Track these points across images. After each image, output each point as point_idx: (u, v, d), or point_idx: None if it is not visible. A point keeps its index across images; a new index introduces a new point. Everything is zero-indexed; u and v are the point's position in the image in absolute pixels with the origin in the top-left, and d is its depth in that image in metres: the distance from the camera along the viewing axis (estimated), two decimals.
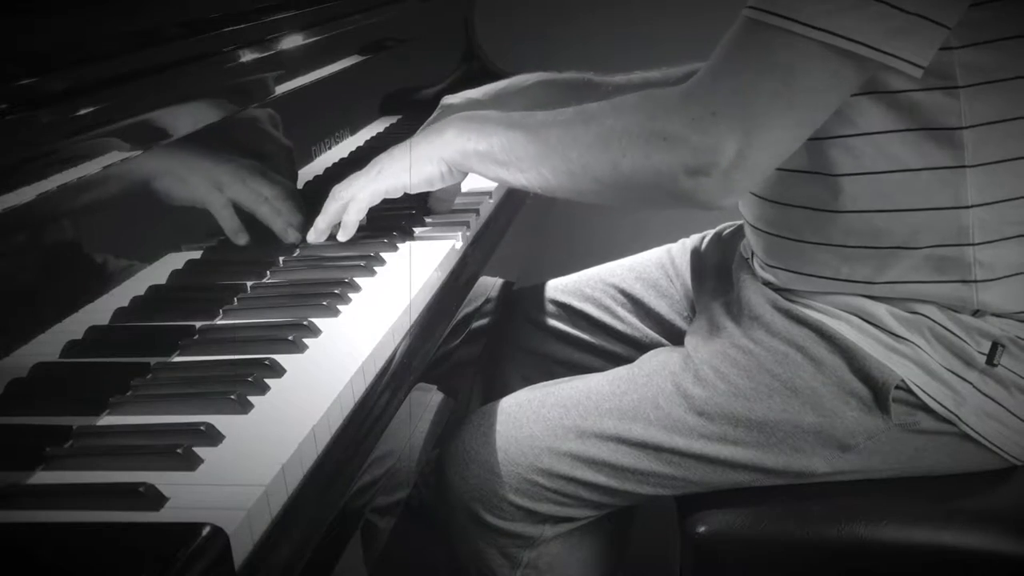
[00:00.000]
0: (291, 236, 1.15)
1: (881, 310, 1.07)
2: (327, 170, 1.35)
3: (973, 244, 1.03)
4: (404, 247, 1.14)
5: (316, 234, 1.14)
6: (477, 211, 1.25)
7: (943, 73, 0.96)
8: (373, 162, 1.16)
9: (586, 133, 1.01)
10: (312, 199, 1.29)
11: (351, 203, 1.13)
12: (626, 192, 1.03)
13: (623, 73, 1.40)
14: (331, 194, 1.15)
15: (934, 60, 0.92)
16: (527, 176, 1.07)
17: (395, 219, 1.20)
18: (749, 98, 0.92)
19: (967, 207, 1.02)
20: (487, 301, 1.46)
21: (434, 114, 1.33)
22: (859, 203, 1.04)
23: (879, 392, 1.05)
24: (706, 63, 0.97)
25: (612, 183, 1.01)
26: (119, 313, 0.96)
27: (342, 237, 1.13)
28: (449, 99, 1.34)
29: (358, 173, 1.16)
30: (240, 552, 0.65)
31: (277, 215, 1.14)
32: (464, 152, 1.10)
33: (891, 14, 0.88)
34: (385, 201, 1.20)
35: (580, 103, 1.34)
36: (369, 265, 1.08)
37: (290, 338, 0.90)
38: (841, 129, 1.01)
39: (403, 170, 1.13)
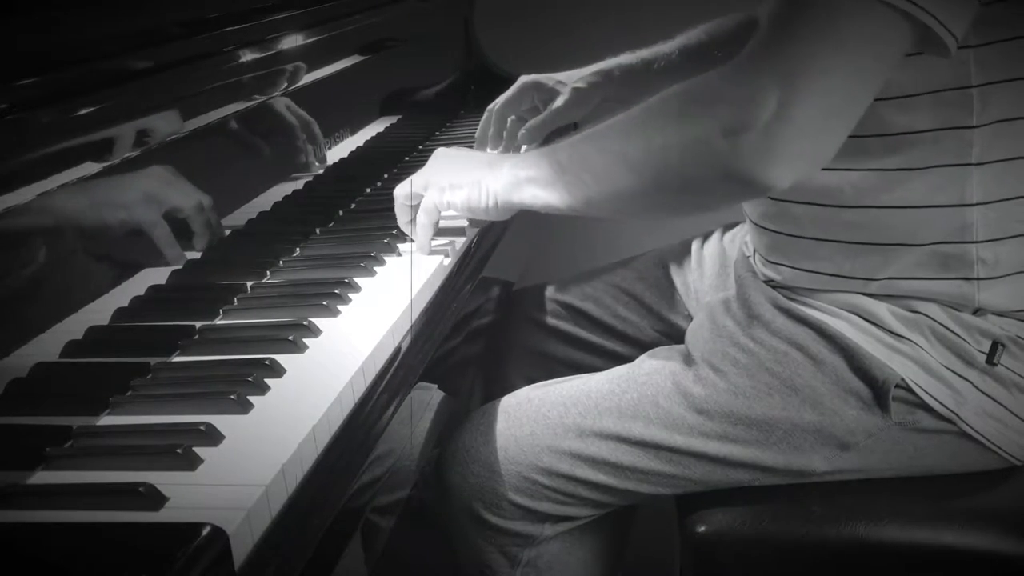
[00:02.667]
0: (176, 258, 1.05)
1: (882, 309, 1.07)
2: (327, 170, 1.35)
3: (976, 241, 1.03)
4: (404, 247, 1.14)
5: (425, 250, 1.13)
6: None
7: (957, 73, 0.96)
8: (444, 164, 1.15)
9: (625, 121, 0.98)
10: (312, 199, 1.29)
11: (420, 223, 1.13)
12: (664, 180, 0.93)
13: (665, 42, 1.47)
14: (396, 197, 1.15)
15: (951, 59, 0.90)
16: (571, 192, 1.01)
17: (396, 219, 1.20)
18: (789, 42, 0.83)
19: (971, 205, 1.02)
20: (487, 301, 1.46)
21: (515, 87, 1.44)
22: (863, 199, 1.04)
23: (879, 391, 1.05)
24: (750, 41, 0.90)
25: (648, 169, 0.93)
26: (119, 313, 0.96)
27: (421, 253, 1.13)
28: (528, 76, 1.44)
29: (423, 172, 1.15)
30: (240, 552, 0.65)
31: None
32: (515, 182, 1.07)
33: None
34: (386, 201, 1.20)
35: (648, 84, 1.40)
36: (369, 265, 1.08)
37: (290, 338, 0.90)
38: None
39: (461, 192, 1.11)
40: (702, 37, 1.43)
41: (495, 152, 1.17)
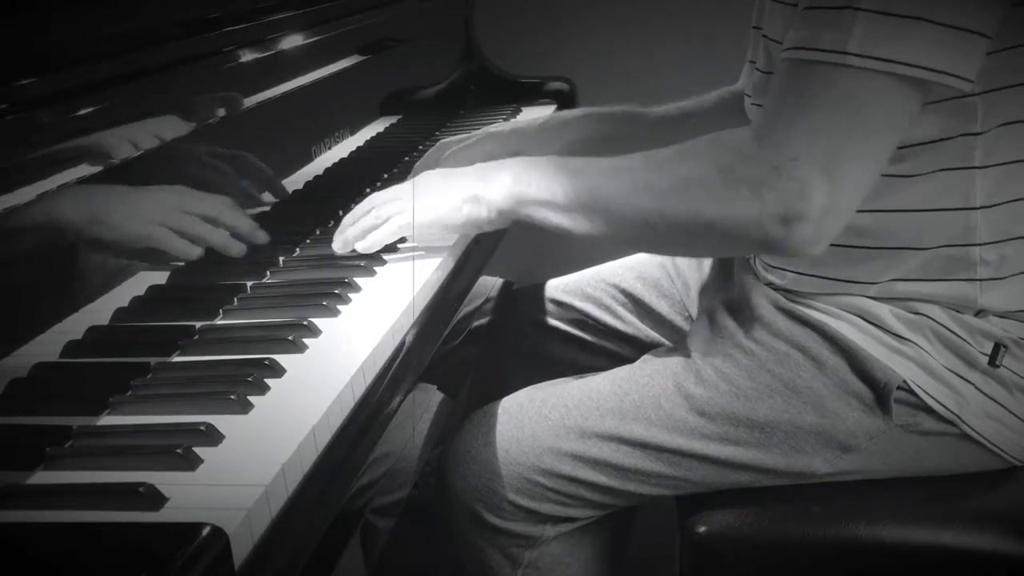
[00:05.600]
0: (234, 249, 1.08)
1: (883, 310, 1.07)
2: (327, 170, 1.35)
3: (979, 244, 1.03)
4: (404, 247, 1.14)
5: (344, 245, 1.11)
6: None
7: None
8: (421, 183, 1.12)
9: (661, 181, 0.99)
10: (312, 199, 1.29)
11: (388, 225, 1.10)
12: (705, 241, 1.01)
13: (659, 104, 1.40)
14: (369, 201, 1.12)
15: None
16: (593, 225, 1.03)
17: None
18: (826, 137, 0.90)
19: (975, 208, 1.02)
20: (487, 301, 1.46)
21: (473, 138, 1.34)
22: (867, 204, 1.04)
23: (881, 393, 1.05)
24: (766, 108, 0.95)
25: (691, 232, 0.99)
26: (119, 313, 0.96)
27: (362, 249, 1.10)
28: (493, 128, 1.34)
29: (402, 190, 1.12)
30: (240, 552, 0.65)
31: (214, 232, 1.07)
32: (522, 200, 1.06)
33: (940, 32, 0.87)
34: None
35: (626, 135, 1.36)
36: (369, 265, 1.08)
37: (290, 338, 0.90)
38: None
39: (454, 210, 1.09)
40: (693, 107, 1.40)
41: (482, 164, 1.14)
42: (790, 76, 0.93)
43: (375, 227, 1.10)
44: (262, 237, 1.11)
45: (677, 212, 0.98)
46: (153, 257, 1.02)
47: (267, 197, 1.23)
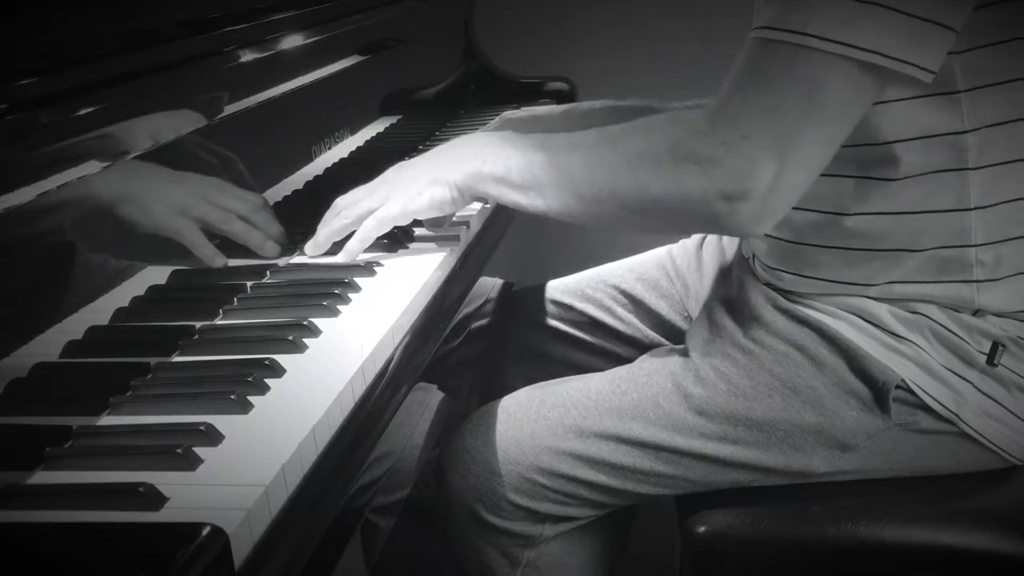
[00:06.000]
0: (269, 250, 1.11)
1: (882, 310, 1.07)
2: (327, 170, 1.35)
3: (975, 245, 1.03)
4: (404, 248, 1.14)
5: (315, 248, 1.11)
6: (476, 211, 1.25)
7: (943, 79, 0.96)
8: (381, 180, 1.12)
9: (613, 157, 0.99)
10: (312, 199, 1.29)
11: (360, 232, 1.09)
12: (654, 218, 1.01)
13: (680, 101, 1.40)
14: (334, 207, 1.12)
15: None
16: (547, 202, 1.04)
17: None
18: (778, 117, 0.91)
19: (969, 209, 1.02)
20: (487, 301, 1.46)
21: (491, 125, 1.34)
22: (862, 206, 1.04)
23: (879, 392, 1.05)
24: (725, 85, 0.95)
25: (640, 208, 0.99)
26: (119, 313, 0.96)
27: (343, 259, 1.09)
28: (511, 114, 1.34)
29: (365, 189, 1.12)
30: (240, 552, 0.65)
31: (250, 231, 1.09)
32: (478, 176, 1.06)
33: (902, 21, 0.88)
34: None
35: None
36: (369, 265, 1.08)
37: (290, 338, 0.90)
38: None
39: (415, 195, 1.08)
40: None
41: (446, 143, 1.14)
42: (751, 54, 0.94)
43: (344, 227, 1.10)
44: (284, 239, 1.12)
45: (626, 188, 0.98)
46: (169, 251, 1.03)
47: (268, 195, 1.23)
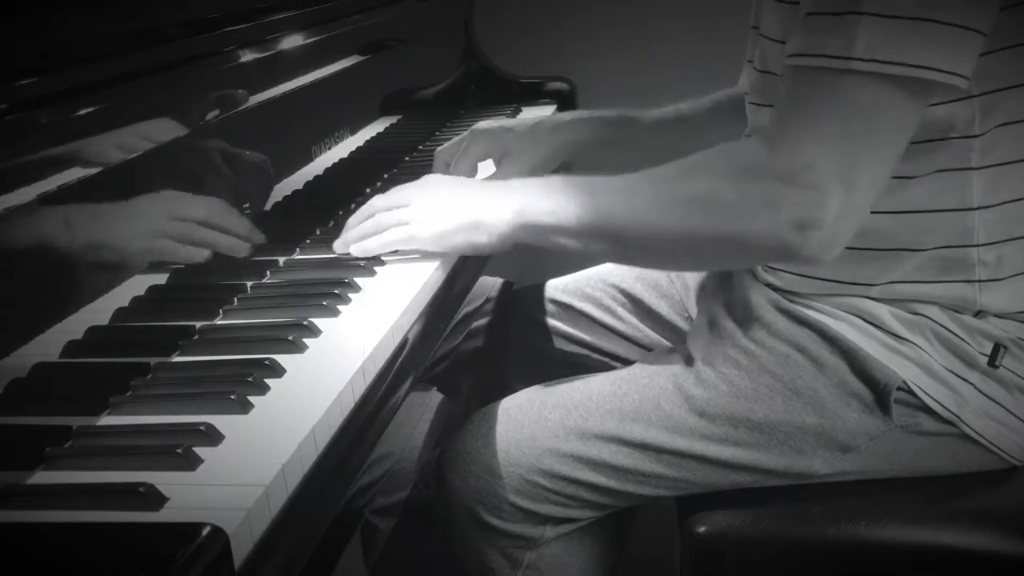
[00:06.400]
0: (240, 250, 1.09)
1: (883, 311, 1.07)
2: (327, 170, 1.35)
3: (977, 245, 1.03)
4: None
5: (343, 246, 1.10)
6: None
7: None
8: (425, 197, 1.09)
9: (672, 199, 0.98)
10: (312, 199, 1.29)
11: (385, 236, 1.08)
12: (721, 255, 1.01)
13: (656, 107, 1.40)
14: (369, 205, 1.11)
15: None
16: (605, 247, 1.03)
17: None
18: (838, 143, 0.90)
19: (973, 209, 1.02)
20: (487, 301, 1.46)
21: (464, 141, 1.33)
22: None
23: (880, 393, 1.05)
24: (775, 115, 0.95)
25: (707, 247, 0.99)
26: (119, 313, 0.96)
27: (355, 252, 1.09)
28: (482, 125, 1.33)
29: (406, 197, 1.10)
30: (240, 552, 0.65)
31: (217, 236, 1.07)
32: (528, 227, 1.04)
33: (939, 30, 0.87)
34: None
35: (621, 139, 1.36)
36: (369, 265, 1.08)
37: (290, 338, 0.90)
38: None
39: (452, 232, 1.06)
40: (688, 110, 1.39)
41: (488, 180, 1.10)
42: (797, 84, 0.93)
43: (375, 233, 1.09)
44: (259, 236, 1.11)
45: (692, 229, 0.97)
46: (161, 263, 1.02)
47: (268, 196, 1.23)
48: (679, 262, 1.05)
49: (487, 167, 1.37)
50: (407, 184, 1.14)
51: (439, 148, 1.37)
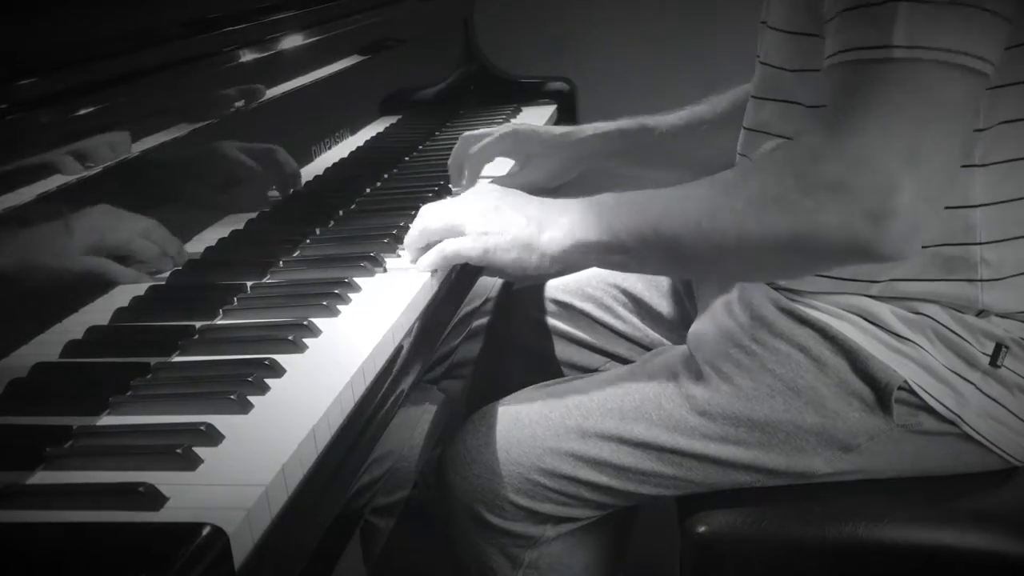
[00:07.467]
0: (164, 264, 1.05)
1: (884, 310, 1.07)
2: (327, 170, 1.35)
3: (979, 243, 1.03)
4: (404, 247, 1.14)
5: (413, 253, 1.09)
6: None
7: None
8: (476, 211, 1.06)
9: (730, 204, 0.93)
10: (312, 199, 1.29)
11: (437, 250, 1.06)
12: (790, 257, 0.94)
13: (672, 112, 1.40)
14: (420, 214, 1.09)
15: None
16: (663, 262, 1.01)
17: (396, 219, 1.20)
18: (900, 126, 0.86)
19: (975, 206, 1.02)
20: (487, 301, 1.46)
21: (496, 133, 1.38)
22: None
23: (881, 393, 1.05)
24: (829, 111, 0.91)
25: (773, 251, 0.93)
26: (119, 313, 0.96)
27: (419, 270, 1.07)
28: (520, 127, 1.38)
29: (456, 213, 1.07)
30: (240, 552, 0.65)
31: (147, 246, 1.03)
32: (581, 248, 1.02)
33: (981, 17, 0.86)
34: (386, 201, 1.19)
35: (637, 149, 1.39)
36: (369, 265, 1.08)
37: (290, 338, 0.90)
38: None
39: (504, 250, 1.04)
40: (705, 112, 1.39)
41: (541, 202, 1.08)
42: (848, 78, 0.90)
43: (429, 247, 1.08)
44: (184, 258, 1.07)
45: (754, 232, 0.92)
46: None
47: (268, 196, 1.23)
48: (746, 271, 1.01)
49: (492, 165, 1.41)
50: (467, 192, 1.14)
51: (467, 132, 1.42)
